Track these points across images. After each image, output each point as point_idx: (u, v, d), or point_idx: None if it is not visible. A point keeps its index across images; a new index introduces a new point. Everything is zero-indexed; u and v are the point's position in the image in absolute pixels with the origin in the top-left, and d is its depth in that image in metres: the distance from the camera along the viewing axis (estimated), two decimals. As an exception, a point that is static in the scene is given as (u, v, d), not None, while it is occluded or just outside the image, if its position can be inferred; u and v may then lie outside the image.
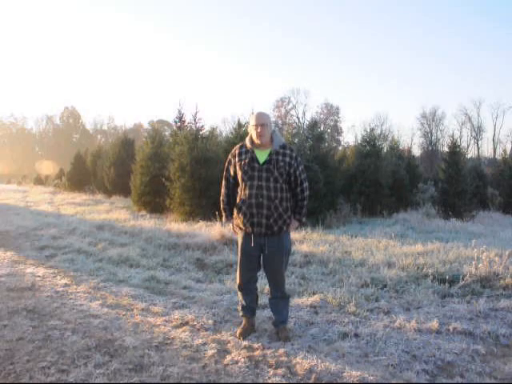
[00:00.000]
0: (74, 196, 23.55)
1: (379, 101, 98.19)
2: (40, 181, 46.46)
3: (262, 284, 5.85)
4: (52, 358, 3.46)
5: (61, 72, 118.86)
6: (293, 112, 65.95)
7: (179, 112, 17.58)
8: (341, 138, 63.82)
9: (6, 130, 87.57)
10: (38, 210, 16.45)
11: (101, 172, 24.81)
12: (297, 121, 64.23)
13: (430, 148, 56.33)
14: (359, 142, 17.25)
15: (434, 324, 4.21)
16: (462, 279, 5.63)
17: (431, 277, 5.84)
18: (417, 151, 53.56)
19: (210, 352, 3.60)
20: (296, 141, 14.34)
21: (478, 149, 59.34)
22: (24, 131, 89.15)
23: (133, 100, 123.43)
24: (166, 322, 4.35)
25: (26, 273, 6.28)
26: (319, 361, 3.41)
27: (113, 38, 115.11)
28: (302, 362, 3.39)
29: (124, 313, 4.59)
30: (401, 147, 23.28)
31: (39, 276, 6.10)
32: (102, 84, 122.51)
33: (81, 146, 54.89)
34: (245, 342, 3.80)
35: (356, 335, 4.03)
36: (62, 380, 3.10)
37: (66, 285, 5.67)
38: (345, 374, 3.22)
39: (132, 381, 3.11)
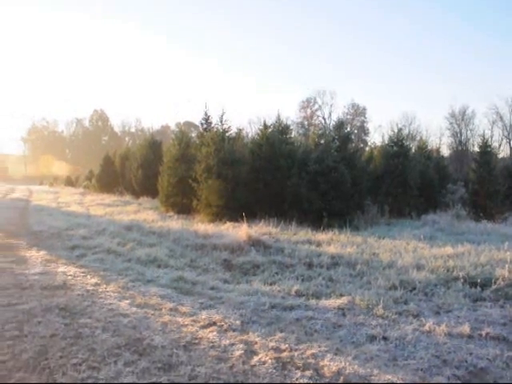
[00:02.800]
0: (103, 197, 23.92)
1: (406, 100, 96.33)
2: (70, 182, 47.46)
3: (289, 285, 5.85)
4: (83, 355, 3.53)
5: (90, 76, 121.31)
6: (319, 113, 65.51)
7: (205, 114, 17.70)
8: (367, 139, 63.03)
9: (39, 133, 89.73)
10: (68, 210, 16.80)
11: (129, 173, 25.17)
12: (323, 122, 63.80)
13: (460, 148, 55.16)
14: (386, 142, 17.04)
15: (466, 328, 4.12)
16: (495, 283, 5.50)
17: (462, 280, 5.72)
18: (446, 151, 52.47)
19: (238, 352, 3.61)
20: (322, 142, 14.26)
21: (511, 148, 57.78)
22: (55, 134, 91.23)
23: (160, 102, 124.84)
24: (194, 321, 4.39)
25: (58, 272, 6.42)
26: (347, 363, 3.38)
27: (140, 43, 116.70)
28: (330, 365, 3.37)
29: (152, 312, 4.65)
30: (429, 147, 22.90)
31: (70, 275, 6.24)
32: (130, 87, 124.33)
33: (109, 147, 55.81)
34: (272, 343, 3.79)
35: (384, 338, 3.98)
36: (93, 377, 3.15)
37: (96, 284, 5.78)
38: (373, 377, 3.19)
39: (160, 380, 3.14)
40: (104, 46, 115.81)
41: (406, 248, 7.96)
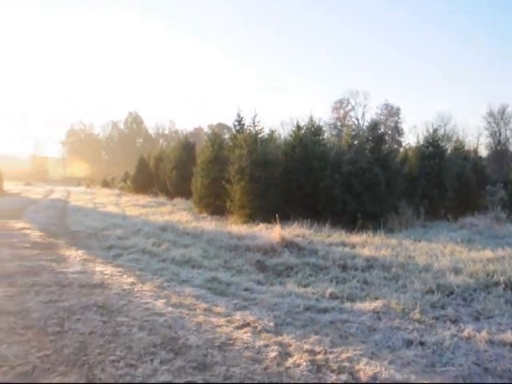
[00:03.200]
0: (138, 198, 24.36)
1: (442, 100, 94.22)
2: (106, 183, 48.53)
3: (323, 287, 5.82)
4: (121, 352, 3.61)
5: (125, 79, 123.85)
6: (352, 114, 64.82)
7: (238, 115, 17.79)
8: (402, 140, 61.90)
9: (76, 136, 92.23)
10: (105, 211, 17.19)
11: (163, 175, 25.55)
12: (356, 122, 63.09)
13: (499, 148, 53.52)
14: (421, 143, 16.70)
15: (509, 336, 4.00)
16: (538, 288, 5.32)
17: (503, 285, 5.55)
18: (484, 152, 51.00)
19: (272, 354, 3.61)
20: (356, 143, 14.11)
21: (553, 147, 55.61)
22: (92, 137, 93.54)
23: (193, 105, 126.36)
24: (228, 322, 4.42)
25: (95, 271, 6.59)
26: (383, 368, 3.34)
27: (172, 47, 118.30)
28: (366, 369, 3.33)
29: (187, 312, 4.71)
30: (466, 148, 22.30)
31: (107, 274, 6.38)
32: (164, 89, 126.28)
33: (144, 149, 56.80)
34: (306, 346, 3.78)
35: (421, 343, 3.91)
36: (130, 374, 3.22)
37: (132, 283, 5.89)
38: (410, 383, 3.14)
39: (196, 379, 3.18)
40: (135, 49, 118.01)
41: (443, 251, 7.79)
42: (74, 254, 7.87)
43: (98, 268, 6.78)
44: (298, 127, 14.77)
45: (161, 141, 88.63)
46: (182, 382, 3.14)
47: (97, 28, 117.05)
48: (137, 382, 3.12)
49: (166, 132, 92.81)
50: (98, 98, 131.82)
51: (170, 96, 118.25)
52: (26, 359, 3.42)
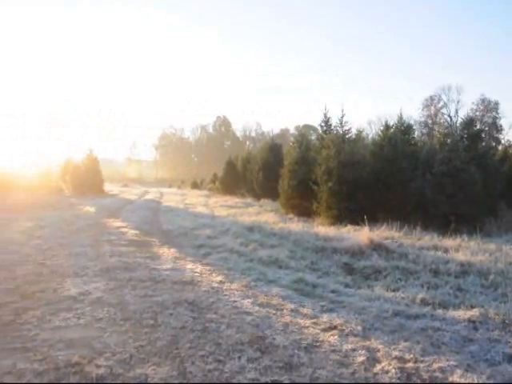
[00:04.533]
0: (226, 199, 24.96)
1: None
2: (196, 185, 50.35)
3: (414, 292, 5.61)
4: (210, 348, 3.73)
5: (212, 84, 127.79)
6: (444, 110, 61.46)
7: (325, 116, 17.67)
8: (500, 136, 57.60)
9: (168, 139, 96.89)
10: (194, 211, 17.84)
11: (250, 176, 25.98)
12: (448, 120, 59.80)
13: None
14: (525, 140, 15.48)
15: None
16: None
17: None
18: None
19: (360, 359, 3.54)
20: (449, 141, 13.40)
21: None
22: (182, 140, 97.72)
23: (279, 106, 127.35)
24: (315, 324, 4.40)
25: (186, 268, 6.86)
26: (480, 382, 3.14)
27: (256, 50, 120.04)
28: (460, 382, 3.15)
29: (274, 312, 4.76)
30: None
31: (197, 272, 6.62)
32: (250, 93, 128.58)
33: (231, 152, 58.19)
34: (396, 352, 3.66)
35: (525, 359, 3.62)
36: (218, 369, 3.32)
37: (220, 282, 6.06)
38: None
39: (282, 379, 3.21)
40: (222, 53, 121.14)
41: (550, 258, 7.15)
42: (167, 252, 8.25)
43: (189, 266, 7.05)
44: (387, 126, 14.36)
45: (248, 143, 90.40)
46: (268, 380, 3.18)
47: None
48: (224, 378, 3.20)
49: (253, 134, 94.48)
50: (188, 104, 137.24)
51: (255, 99, 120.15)
52: (124, 348, 3.66)
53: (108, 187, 35.58)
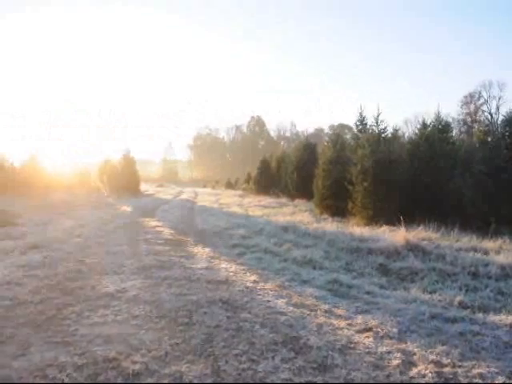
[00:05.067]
0: (260, 199, 25.00)
1: None
2: (230, 185, 50.69)
3: (451, 295, 5.47)
4: (244, 347, 3.74)
5: (246, 84, 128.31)
6: (484, 107, 59.54)
7: (360, 115, 17.46)
8: (546, 134, 55.20)
9: (203, 140, 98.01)
10: (229, 211, 17.96)
11: (284, 176, 25.95)
12: (489, 117, 57.88)
13: None
14: None
15: None
16: None
17: None
18: None
19: (395, 362, 3.48)
20: (489, 139, 12.98)
21: None
22: (217, 140, 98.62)
23: (313, 106, 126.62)
24: (349, 325, 4.35)
25: (220, 268, 6.92)
26: (523, 388, 3.03)
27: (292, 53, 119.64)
28: (502, 388, 3.05)
29: (308, 312, 4.73)
30: None
31: (232, 271, 6.66)
32: (284, 92, 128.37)
33: (266, 152, 58.21)
34: (432, 356, 3.58)
35: None
36: (252, 368, 3.33)
37: (254, 281, 6.08)
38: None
39: (315, 380, 3.19)
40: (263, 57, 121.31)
41: None
42: (201, 251, 8.34)
43: (223, 265, 7.10)
44: (424, 125, 14.08)
45: (282, 142, 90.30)
46: (302, 381, 3.17)
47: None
48: (258, 377, 3.21)
49: (288, 134, 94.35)
50: (223, 105, 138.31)
51: (291, 99, 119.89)
52: (160, 345, 3.72)
53: (144, 187, 36.30)
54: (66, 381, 3.09)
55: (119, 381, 3.10)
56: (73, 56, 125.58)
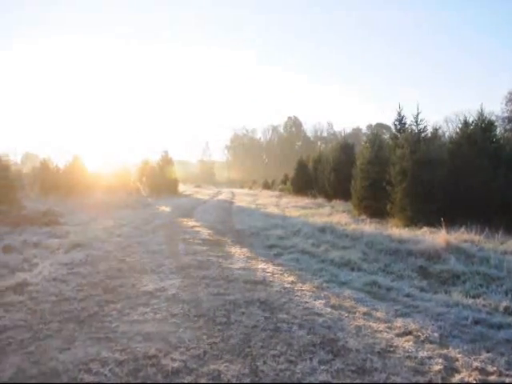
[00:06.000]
0: (297, 199, 24.90)
1: None
2: (267, 185, 50.69)
3: (496, 300, 5.29)
4: (281, 348, 3.74)
5: (283, 84, 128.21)
6: (533, 103, 57.14)
7: (399, 114, 17.11)
8: None
9: (239, 140, 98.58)
10: (266, 212, 17.97)
11: (321, 177, 25.73)
12: (539, 114, 55.52)
13: None
14: None
15: None
16: None
17: None
18: None
19: (436, 367, 3.40)
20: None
21: None
22: (253, 141, 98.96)
23: (350, 106, 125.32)
24: (389, 328, 4.28)
25: (258, 268, 6.93)
26: None
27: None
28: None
29: (346, 314, 4.69)
30: None
31: (269, 272, 6.67)
32: (322, 92, 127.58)
33: (302, 152, 57.96)
34: (476, 363, 3.47)
35: None
36: (290, 369, 3.32)
37: (292, 282, 6.06)
38: None
39: (355, 382, 3.15)
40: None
41: None
42: (239, 252, 8.38)
43: (261, 266, 7.12)
44: (466, 123, 13.64)
45: (319, 143, 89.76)
46: (340, 383, 3.14)
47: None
48: (296, 378, 3.20)
49: (325, 134, 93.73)
50: (260, 106, 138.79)
51: (328, 98, 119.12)
52: (198, 344, 3.78)
53: (182, 188, 36.77)
54: (109, 375, 3.18)
55: (159, 378, 3.16)
56: (114, 56, 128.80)
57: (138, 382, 3.10)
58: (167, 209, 18.61)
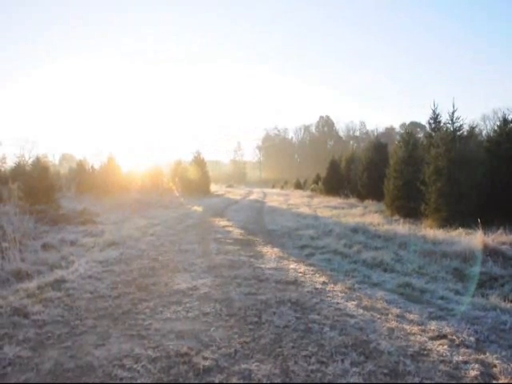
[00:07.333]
0: (329, 199, 24.75)
1: None
2: (299, 185, 50.54)
3: (536, 304, 5.12)
4: (313, 348, 3.72)
5: (317, 84, 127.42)
6: None
7: (433, 112, 16.77)
8: None
9: (271, 141, 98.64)
10: (297, 212, 17.91)
11: (354, 176, 25.49)
12: None
13: None
14: None
15: None
16: None
17: None
18: None
19: (472, 373, 3.31)
20: None
21: None
22: (285, 141, 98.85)
23: (384, 104, 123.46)
24: (422, 331, 4.20)
25: (289, 268, 6.92)
26: None
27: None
28: None
29: (379, 316, 4.62)
30: None
31: (301, 272, 6.64)
32: (354, 91, 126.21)
33: (334, 152, 57.49)
34: (516, 370, 3.36)
35: None
36: (321, 371, 3.30)
37: (323, 283, 6.02)
38: None
39: (387, 385, 3.11)
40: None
41: None
42: (270, 252, 8.39)
43: (292, 266, 7.10)
44: (505, 121, 13.25)
45: (351, 142, 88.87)
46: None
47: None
48: (327, 379, 3.18)
49: (357, 134, 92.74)
50: (292, 106, 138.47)
51: (361, 97, 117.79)
52: (230, 343, 3.80)
53: (214, 188, 37.08)
54: (142, 371, 3.23)
55: (190, 375, 3.20)
56: (157, 59, 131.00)
57: (171, 379, 3.15)
58: (199, 208, 18.80)
